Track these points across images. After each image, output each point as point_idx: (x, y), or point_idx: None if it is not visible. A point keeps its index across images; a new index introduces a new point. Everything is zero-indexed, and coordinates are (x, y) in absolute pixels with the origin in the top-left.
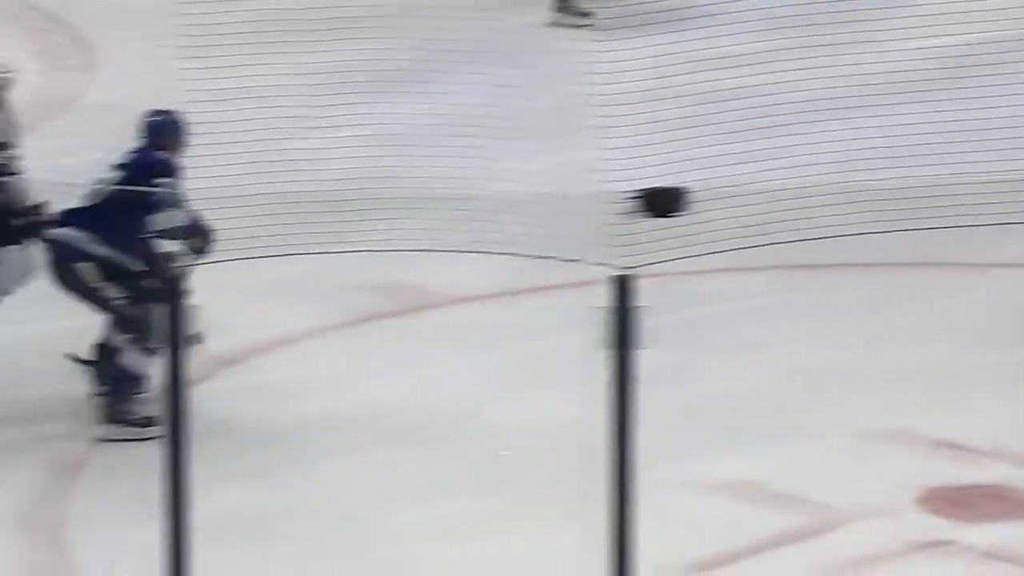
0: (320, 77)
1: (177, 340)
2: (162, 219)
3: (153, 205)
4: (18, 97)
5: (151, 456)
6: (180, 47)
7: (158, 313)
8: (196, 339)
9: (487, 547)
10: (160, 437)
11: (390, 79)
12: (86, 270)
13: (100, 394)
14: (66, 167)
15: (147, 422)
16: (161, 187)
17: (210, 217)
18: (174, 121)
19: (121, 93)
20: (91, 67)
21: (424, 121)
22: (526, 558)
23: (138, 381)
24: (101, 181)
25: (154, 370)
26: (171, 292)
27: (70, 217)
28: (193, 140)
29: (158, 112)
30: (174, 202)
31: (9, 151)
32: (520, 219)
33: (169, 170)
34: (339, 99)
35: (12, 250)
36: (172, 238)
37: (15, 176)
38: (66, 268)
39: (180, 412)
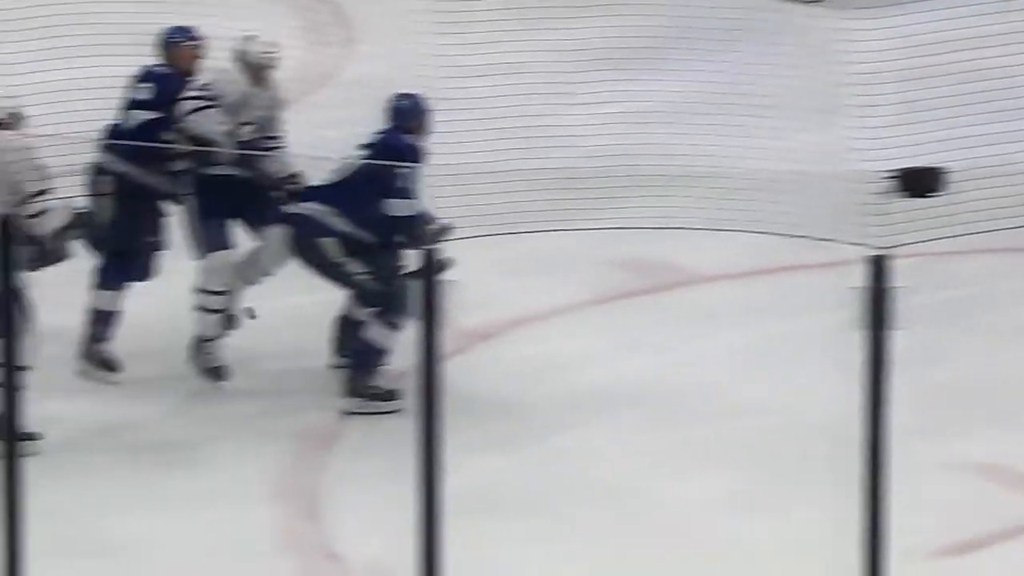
0: (576, 53)
1: (431, 315)
2: (400, 204)
3: (395, 188)
4: (281, 73)
5: (402, 428)
6: (437, 22)
7: (411, 288)
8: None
9: (736, 524)
10: (400, 411)
11: (645, 56)
12: (329, 245)
13: (343, 368)
14: (326, 141)
15: (389, 396)
16: (405, 171)
17: (465, 192)
18: (419, 105)
19: (379, 68)
20: (351, 42)
21: (678, 99)
22: (777, 536)
23: (381, 355)
24: (347, 159)
25: (400, 344)
26: (425, 267)
27: (314, 193)
28: (449, 115)
29: (404, 95)
30: (414, 187)
31: (271, 128)
32: (774, 197)
33: (414, 154)
34: (595, 76)
35: (273, 230)
36: (406, 223)
37: (277, 151)
38: (309, 243)
39: (434, 385)
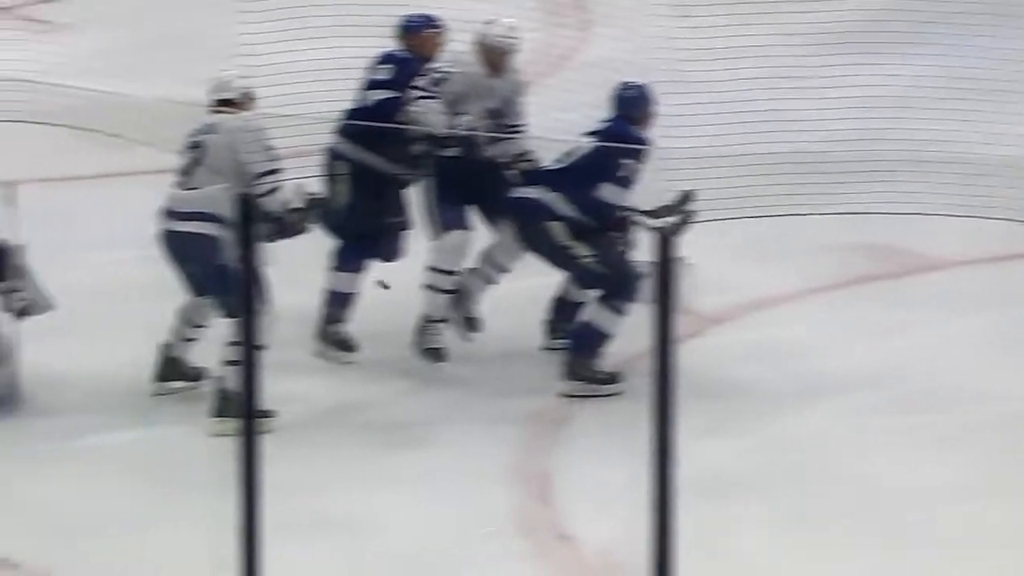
0: (814, 37)
1: (667, 297)
2: (618, 192)
3: (617, 177)
4: (520, 56)
5: (632, 410)
6: (675, 5)
7: (645, 271)
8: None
9: (971, 512)
10: (622, 393)
11: (884, 40)
12: (556, 228)
13: (562, 350)
14: (563, 123)
15: (611, 379)
16: (629, 161)
17: (699, 175)
18: (645, 95)
19: (616, 51)
20: (588, 25)
21: (918, 83)
22: (1014, 525)
23: (604, 338)
24: (574, 145)
25: (627, 328)
26: (662, 250)
27: (540, 177)
28: (686, 98)
29: (630, 85)
30: (635, 178)
31: (511, 113)
32: (1012, 183)
33: (641, 145)
34: (833, 60)
35: (505, 225)
36: (619, 211)
37: (516, 136)
38: (536, 227)
39: (668, 368)
